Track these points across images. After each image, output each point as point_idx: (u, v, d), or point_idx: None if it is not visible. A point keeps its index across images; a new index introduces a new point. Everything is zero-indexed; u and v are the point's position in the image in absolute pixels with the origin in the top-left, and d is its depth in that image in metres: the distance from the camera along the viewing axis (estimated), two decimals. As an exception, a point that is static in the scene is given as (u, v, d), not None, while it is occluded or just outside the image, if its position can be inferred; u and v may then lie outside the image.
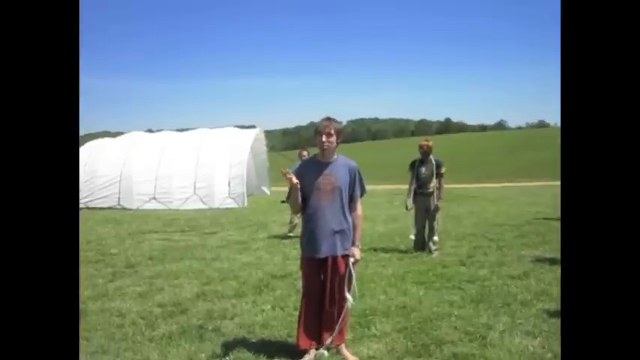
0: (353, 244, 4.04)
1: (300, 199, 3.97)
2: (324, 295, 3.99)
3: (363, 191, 4.13)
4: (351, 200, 4.05)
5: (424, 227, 8.33)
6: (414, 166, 8.34)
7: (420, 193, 8.25)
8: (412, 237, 8.48)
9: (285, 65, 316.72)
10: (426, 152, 8.24)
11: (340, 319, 4.00)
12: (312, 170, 3.98)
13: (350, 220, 4.03)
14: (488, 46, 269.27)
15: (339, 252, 3.96)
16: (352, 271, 3.99)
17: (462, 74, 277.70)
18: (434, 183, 8.16)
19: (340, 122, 4.01)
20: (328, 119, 3.92)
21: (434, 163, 8.18)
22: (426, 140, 8.51)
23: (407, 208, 8.50)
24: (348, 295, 3.97)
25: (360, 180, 4.08)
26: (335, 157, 4.01)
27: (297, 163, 7.42)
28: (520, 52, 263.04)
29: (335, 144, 3.93)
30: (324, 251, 3.93)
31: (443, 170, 8.21)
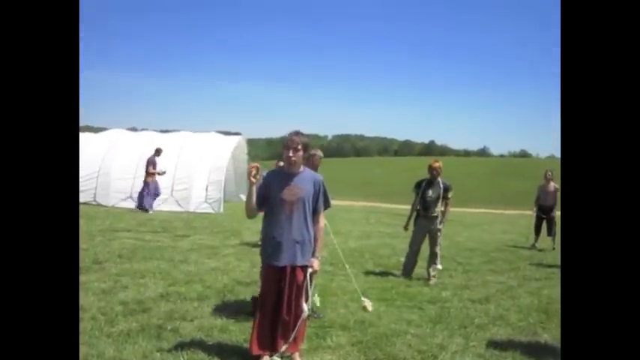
0: (313, 255, 4.13)
1: (254, 202, 4.06)
2: (280, 303, 4.07)
3: (327, 204, 4.23)
4: (315, 212, 4.16)
5: (418, 251, 7.92)
6: (420, 186, 7.92)
7: (424, 215, 7.83)
8: (403, 259, 8.16)
9: (276, 74, 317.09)
10: (436, 174, 7.81)
11: (296, 328, 4.07)
12: (278, 180, 4.08)
13: (312, 231, 4.12)
14: (479, 73, 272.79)
15: (299, 262, 4.05)
16: (309, 281, 4.08)
17: (449, 99, 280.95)
18: (439, 207, 7.76)
19: (307, 136, 4.13)
20: (296, 134, 4.05)
21: (441, 186, 7.77)
22: (437, 161, 8.02)
23: (405, 228, 8.17)
24: (305, 305, 4.05)
25: (325, 193, 4.19)
26: (301, 169, 4.12)
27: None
28: (507, 80, 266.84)
29: (301, 158, 4.06)
30: (285, 260, 4.02)
31: (450, 195, 7.84)
